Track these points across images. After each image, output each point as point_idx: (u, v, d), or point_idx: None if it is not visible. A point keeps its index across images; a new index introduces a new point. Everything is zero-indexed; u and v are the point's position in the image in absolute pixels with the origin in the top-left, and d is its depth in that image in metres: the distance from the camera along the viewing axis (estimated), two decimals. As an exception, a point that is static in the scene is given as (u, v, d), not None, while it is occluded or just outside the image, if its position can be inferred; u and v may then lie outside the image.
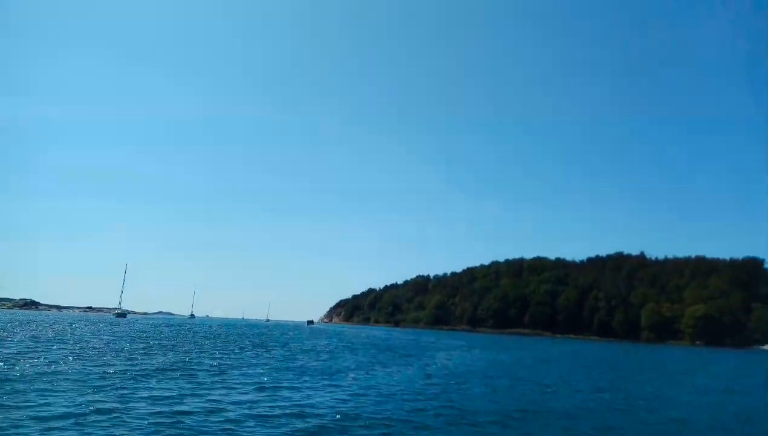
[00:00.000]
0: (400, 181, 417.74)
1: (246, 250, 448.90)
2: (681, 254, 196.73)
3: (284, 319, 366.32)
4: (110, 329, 55.79)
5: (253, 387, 16.74)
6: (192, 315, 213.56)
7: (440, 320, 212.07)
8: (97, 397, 13.15)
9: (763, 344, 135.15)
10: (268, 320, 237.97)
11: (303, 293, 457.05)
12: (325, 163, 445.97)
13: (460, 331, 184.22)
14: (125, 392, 14.19)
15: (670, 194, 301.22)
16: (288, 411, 12.95)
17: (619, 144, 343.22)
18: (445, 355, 40.61)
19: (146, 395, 13.81)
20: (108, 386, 15.03)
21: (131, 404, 12.44)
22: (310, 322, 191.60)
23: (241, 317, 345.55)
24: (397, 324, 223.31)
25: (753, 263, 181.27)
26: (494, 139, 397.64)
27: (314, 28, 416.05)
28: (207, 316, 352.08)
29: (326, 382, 19.26)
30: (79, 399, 12.70)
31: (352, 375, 21.88)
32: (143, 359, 23.37)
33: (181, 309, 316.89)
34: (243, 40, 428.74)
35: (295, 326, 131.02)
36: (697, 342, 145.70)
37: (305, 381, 19.11)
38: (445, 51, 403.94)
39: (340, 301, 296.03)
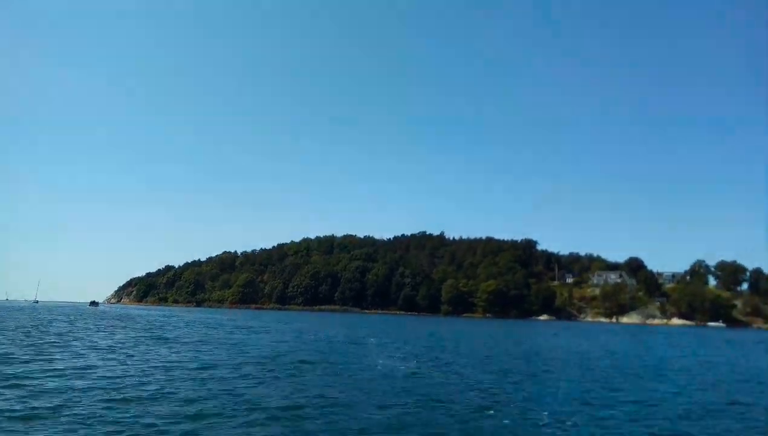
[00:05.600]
0: (199, 158, 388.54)
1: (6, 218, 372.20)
2: (474, 235, 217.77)
3: (60, 300, 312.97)
4: None
5: None
6: None
7: (247, 298, 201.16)
8: None
9: (540, 315, 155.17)
10: (36, 302, 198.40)
11: (85, 270, 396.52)
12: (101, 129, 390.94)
13: (268, 309, 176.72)
14: None
15: (466, 180, 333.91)
16: None
17: (417, 129, 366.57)
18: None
19: None
20: None
21: None
22: (94, 303, 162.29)
23: (4, 297, 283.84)
24: (199, 304, 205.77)
25: (528, 244, 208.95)
26: (310, 118, 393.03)
27: None
28: None
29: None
30: None
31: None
32: None
33: None
34: None
35: (73, 310, 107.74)
36: (488, 314, 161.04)
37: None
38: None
39: (132, 279, 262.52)
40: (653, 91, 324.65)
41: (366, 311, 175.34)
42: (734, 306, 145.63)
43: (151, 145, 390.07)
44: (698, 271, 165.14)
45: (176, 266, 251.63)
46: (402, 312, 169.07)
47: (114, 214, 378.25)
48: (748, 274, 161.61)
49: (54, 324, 41.96)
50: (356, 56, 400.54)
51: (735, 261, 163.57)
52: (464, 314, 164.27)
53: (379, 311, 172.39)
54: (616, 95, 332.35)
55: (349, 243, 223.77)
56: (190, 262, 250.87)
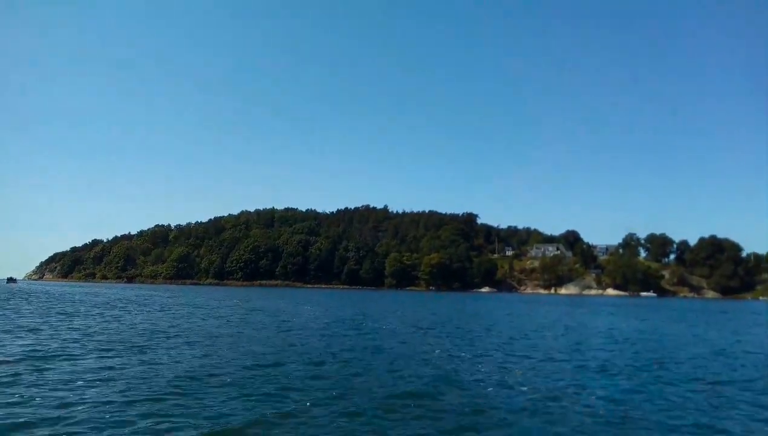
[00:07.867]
0: (130, 126, 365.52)
1: None
2: (417, 208, 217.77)
3: None
4: None
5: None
6: None
7: (183, 273, 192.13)
8: None
9: (482, 288, 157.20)
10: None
11: (10, 246, 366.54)
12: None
13: (206, 285, 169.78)
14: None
15: (409, 154, 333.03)
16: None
17: (361, 107, 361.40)
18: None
19: None
20: None
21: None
22: (12, 280, 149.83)
23: None
24: (130, 280, 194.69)
25: (470, 218, 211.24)
26: (249, 84, 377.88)
27: None
28: None
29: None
30: None
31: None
32: None
33: None
34: None
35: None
36: (431, 287, 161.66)
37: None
38: None
39: (56, 254, 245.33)
40: (588, 60, 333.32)
41: (308, 285, 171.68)
42: (662, 277, 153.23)
43: (80, 112, 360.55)
44: (630, 243, 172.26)
45: (105, 241, 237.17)
46: (345, 287, 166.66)
47: (40, 187, 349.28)
48: (675, 246, 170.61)
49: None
50: (303, 26, 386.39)
51: (663, 234, 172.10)
52: (408, 287, 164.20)
53: (323, 286, 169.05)
54: (554, 70, 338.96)
55: (290, 217, 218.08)
56: (120, 235, 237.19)
